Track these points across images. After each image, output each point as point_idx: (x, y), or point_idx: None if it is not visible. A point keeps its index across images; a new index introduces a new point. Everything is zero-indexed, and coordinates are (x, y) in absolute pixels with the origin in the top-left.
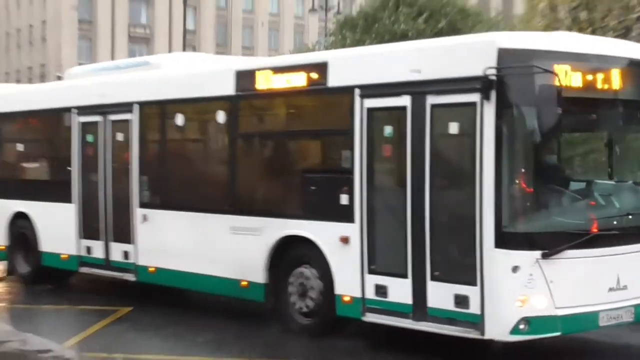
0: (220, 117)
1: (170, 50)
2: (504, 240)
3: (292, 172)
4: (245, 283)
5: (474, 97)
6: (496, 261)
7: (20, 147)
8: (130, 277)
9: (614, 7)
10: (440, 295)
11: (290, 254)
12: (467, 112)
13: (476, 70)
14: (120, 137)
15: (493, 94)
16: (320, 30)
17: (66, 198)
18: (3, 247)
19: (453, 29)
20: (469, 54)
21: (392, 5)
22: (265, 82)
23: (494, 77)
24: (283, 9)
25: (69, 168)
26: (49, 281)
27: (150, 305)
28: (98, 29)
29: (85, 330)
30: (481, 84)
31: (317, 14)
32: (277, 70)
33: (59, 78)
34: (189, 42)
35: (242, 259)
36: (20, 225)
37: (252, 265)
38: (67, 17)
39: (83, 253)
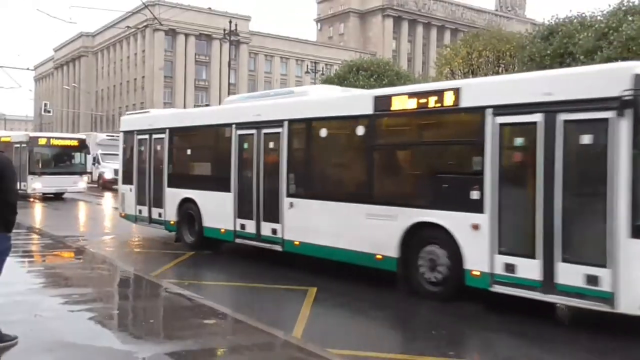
0: (360, 130)
1: (220, 96)
2: (638, 231)
3: (424, 173)
4: (380, 257)
5: (608, 114)
6: (631, 249)
7: (188, 151)
8: (278, 248)
9: (489, 73)
10: (569, 274)
11: (420, 236)
12: (599, 126)
13: (611, 92)
14: (271, 145)
15: (628, 112)
16: (312, 84)
17: (226, 188)
18: (173, 222)
19: (392, 85)
20: (604, 79)
21: (354, 70)
22: (400, 104)
23: (629, 97)
24: (289, 71)
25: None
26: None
27: (205, 253)
28: (176, 81)
29: (164, 266)
30: (618, 103)
31: (309, 75)
32: (412, 95)
33: (207, 105)
34: (231, 91)
35: (376, 238)
36: (187, 207)
37: (386, 243)
38: (157, 74)
39: (238, 229)
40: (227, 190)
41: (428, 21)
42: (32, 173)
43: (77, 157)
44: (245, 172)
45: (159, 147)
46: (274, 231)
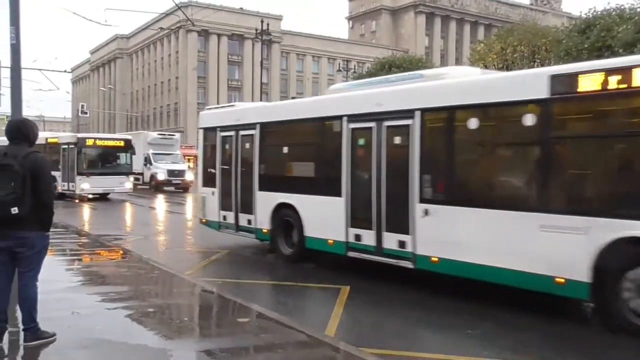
0: (528, 119)
1: (252, 95)
2: None
3: (633, 173)
4: (562, 280)
5: None
6: None
7: (285, 149)
8: (407, 264)
9: (524, 68)
10: None
11: (625, 255)
12: None
13: None
14: (397, 140)
15: None
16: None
17: (335, 192)
18: (266, 230)
19: None
20: None
21: (387, 68)
22: (592, 84)
23: None
24: (321, 70)
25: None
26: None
27: (238, 251)
28: (209, 81)
29: (199, 264)
30: None
31: (341, 73)
32: (612, 71)
33: (285, 99)
34: (264, 90)
35: (556, 256)
36: (284, 213)
37: (572, 263)
38: (190, 75)
39: (351, 240)
40: (337, 194)
41: (461, 17)
42: (80, 174)
43: (123, 158)
44: (360, 172)
45: (247, 145)
46: (402, 244)
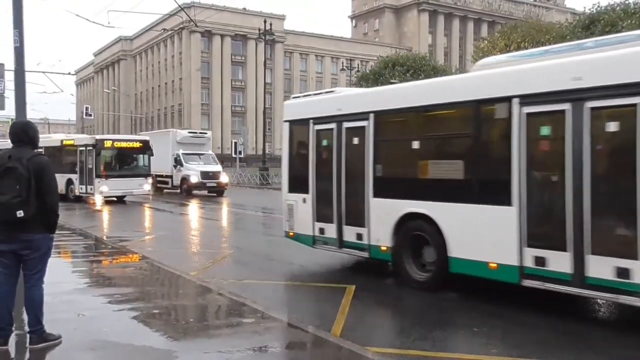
0: None
1: (256, 95)
2: None
3: None
4: None
5: None
6: None
7: (415, 144)
8: (637, 302)
9: None
10: None
11: None
12: None
13: None
14: (611, 127)
15: None
16: (347, 82)
17: (500, 199)
18: (386, 248)
19: None
20: None
21: (390, 66)
22: None
23: None
24: (324, 69)
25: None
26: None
27: (243, 251)
28: (212, 82)
29: (204, 265)
30: None
31: (345, 72)
32: None
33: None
34: (267, 90)
35: None
36: (413, 226)
37: None
38: (194, 75)
39: (528, 264)
40: (504, 202)
41: (464, 14)
42: (98, 176)
43: (141, 159)
44: (542, 173)
45: (355, 140)
46: (624, 273)
